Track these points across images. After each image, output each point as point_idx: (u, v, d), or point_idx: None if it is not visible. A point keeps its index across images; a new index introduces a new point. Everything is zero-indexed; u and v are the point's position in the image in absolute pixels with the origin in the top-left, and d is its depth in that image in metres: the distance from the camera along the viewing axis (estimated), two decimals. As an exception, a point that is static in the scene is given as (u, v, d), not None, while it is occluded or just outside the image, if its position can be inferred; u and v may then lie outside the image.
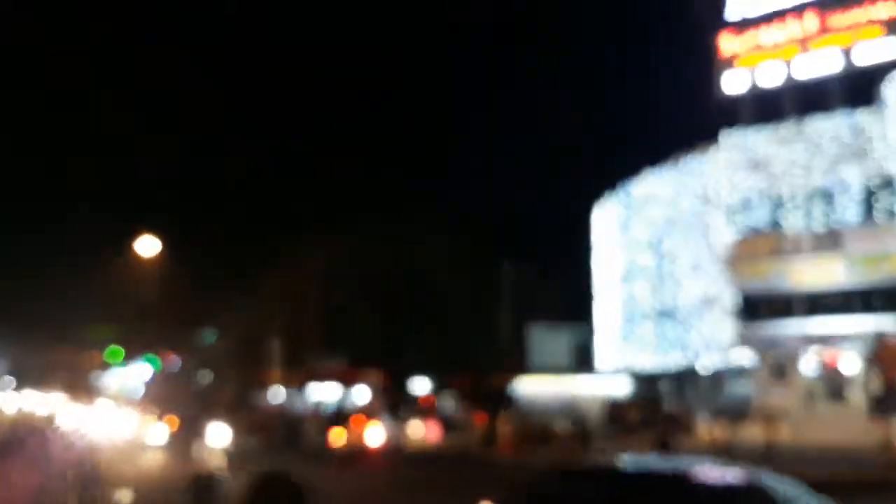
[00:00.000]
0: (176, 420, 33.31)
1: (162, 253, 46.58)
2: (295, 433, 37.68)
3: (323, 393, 54.66)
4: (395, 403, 47.53)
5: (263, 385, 55.87)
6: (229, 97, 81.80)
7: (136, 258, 46.92)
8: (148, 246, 45.82)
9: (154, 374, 59.76)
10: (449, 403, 46.44)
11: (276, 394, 54.35)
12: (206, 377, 63.53)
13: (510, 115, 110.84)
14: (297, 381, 55.08)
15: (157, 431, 33.15)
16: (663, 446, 18.46)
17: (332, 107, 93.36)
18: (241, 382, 57.29)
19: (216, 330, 60.30)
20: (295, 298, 52.96)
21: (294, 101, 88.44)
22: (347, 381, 54.11)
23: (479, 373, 59.51)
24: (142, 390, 61.78)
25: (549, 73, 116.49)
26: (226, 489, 11.73)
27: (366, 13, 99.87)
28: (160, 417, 34.76)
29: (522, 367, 66.02)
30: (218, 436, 20.19)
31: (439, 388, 58.84)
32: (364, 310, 57.12)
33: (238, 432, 34.63)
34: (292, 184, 68.39)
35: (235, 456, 19.61)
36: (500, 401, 46.56)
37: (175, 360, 61.47)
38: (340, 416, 41.13)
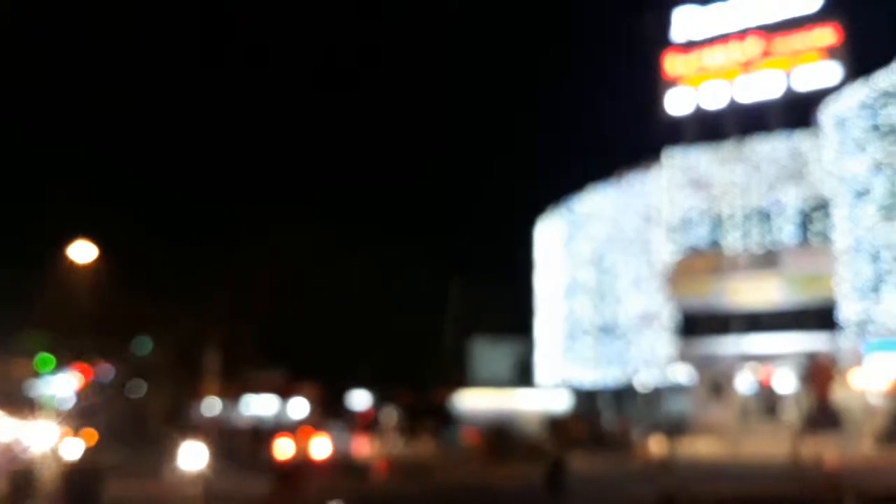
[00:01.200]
0: (94, 434, 32.13)
1: (97, 260, 45.23)
2: (229, 445, 36.99)
3: (259, 406, 53.73)
4: (332, 417, 46.90)
5: (199, 396, 54.65)
6: (171, 103, 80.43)
7: (71, 264, 45.49)
8: (83, 252, 44.45)
9: (84, 385, 57.93)
10: (389, 417, 46.05)
11: (212, 405, 53.21)
12: (139, 388, 61.89)
13: (458, 131, 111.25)
14: (233, 394, 54.03)
15: (72, 445, 31.90)
16: (555, 467, 17.81)
17: (276, 115, 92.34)
18: (176, 393, 55.97)
19: (151, 340, 58.86)
20: (233, 310, 52.01)
21: (235, 110, 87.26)
22: (284, 395, 53.29)
23: (421, 387, 59.19)
24: (72, 400, 59.83)
25: (496, 90, 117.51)
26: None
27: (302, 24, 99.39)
28: (76, 431, 33.47)
29: (465, 381, 65.93)
30: (192, 458, 18.52)
31: (380, 402, 58.32)
32: (304, 323, 56.41)
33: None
34: (233, 194, 67.53)
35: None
36: (441, 415, 46.40)
37: (108, 370, 59.76)
38: (278, 428, 40.41)
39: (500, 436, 30.72)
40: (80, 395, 59.53)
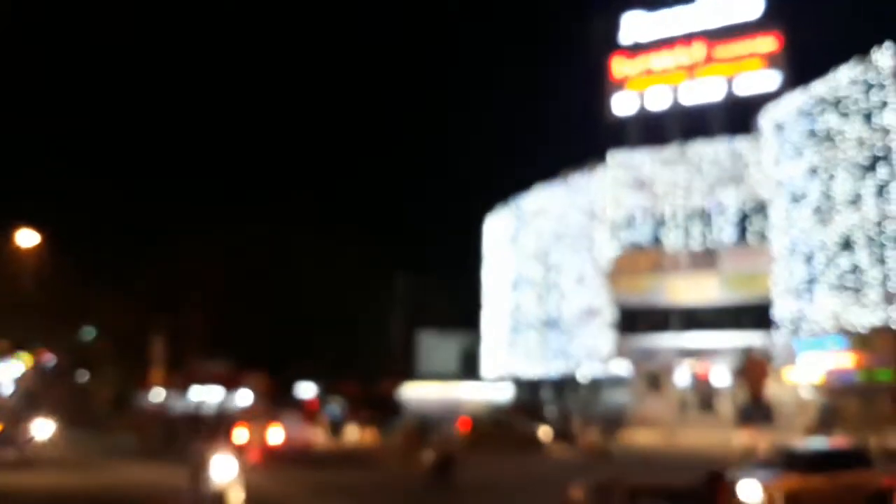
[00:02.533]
0: None
1: (41, 245, 43.48)
2: (174, 434, 36.11)
3: (204, 395, 52.43)
4: (281, 407, 45.91)
5: (144, 385, 53.16)
6: (116, 94, 78.02)
7: (15, 249, 43.63)
8: (26, 237, 42.65)
9: (26, 372, 55.90)
10: (334, 408, 45.26)
11: (157, 394, 51.74)
12: (83, 376, 60.02)
13: (410, 127, 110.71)
14: (178, 383, 52.63)
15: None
16: (445, 460, 17.27)
17: (228, 106, 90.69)
18: (121, 382, 54.43)
19: (95, 328, 57.05)
20: (180, 299, 50.66)
21: (183, 99, 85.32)
22: (230, 384, 52.05)
23: (367, 378, 58.47)
24: (11, 388, 57.72)
25: (449, 90, 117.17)
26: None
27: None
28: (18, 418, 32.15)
29: (411, 373, 65.45)
30: (225, 468, 17.31)
31: (326, 393, 57.47)
32: (251, 314, 55.28)
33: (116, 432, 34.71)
34: (183, 183, 65.86)
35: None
36: (386, 406, 45.73)
37: (50, 358, 57.79)
38: (224, 417, 39.59)
39: (422, 428, 30.60)
40: (20, 381, 57.39)
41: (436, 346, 65.39)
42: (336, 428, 38.42)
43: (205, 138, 78.10)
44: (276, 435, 29.83)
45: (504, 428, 33.20)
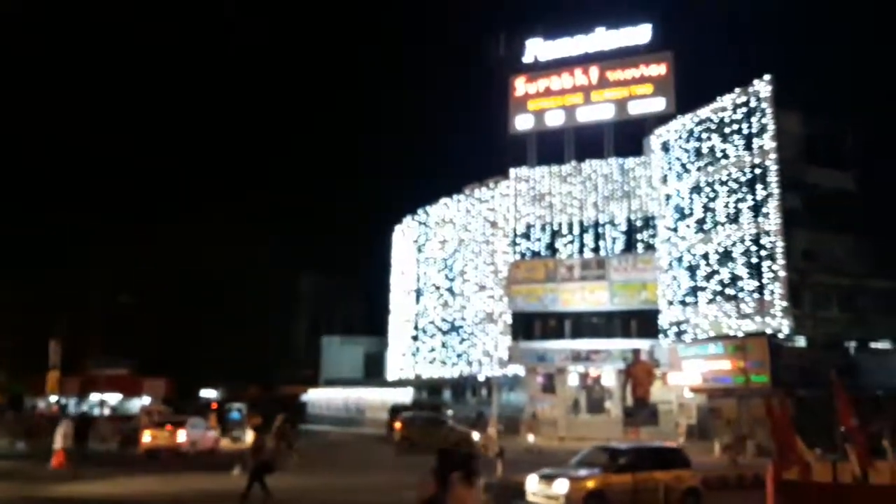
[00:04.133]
0: None
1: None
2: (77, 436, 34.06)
3: (104, 398, 49.73)
4: (184, 411, 43.94)
5: (40, 389, 49.99)
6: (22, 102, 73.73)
7: None
8: None
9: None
10: (235, 412, 43.60)
11: (53, 398, 48.68)
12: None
13: (323, 136, 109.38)
14: (77, 386, 49.76)
15: None
16: (261, 467, 16.64)
17: (136, 109, 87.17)
18: (15, 386, 51.02)
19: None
20: (79, 302, 47.86)
21: (86, 104, 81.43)
22: (130, 388, 49.60)
23: (271, 382, 56.82)
24: None
25: (360, 103, 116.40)
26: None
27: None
28: None
29: (316, 377, 64.09)
30: None
31: (229, 397, 55.47)
32: (154, 317, 52.86)
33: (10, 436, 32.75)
34: (86, 186, 62.68)
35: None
36: (288, 410, 44.29)
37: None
38: (124, 420, 37.96)
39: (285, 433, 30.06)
40: None
41: (341, 350, 64.33)
42: (229, 430, 37.13)
43: (110, 141, 74.56)
44: (178, 437, 29.13)
45: (438, 429, 32.50)
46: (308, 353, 65.38)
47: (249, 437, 32.74)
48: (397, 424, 33.32)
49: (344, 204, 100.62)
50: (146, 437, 29.29)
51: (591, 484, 15.28)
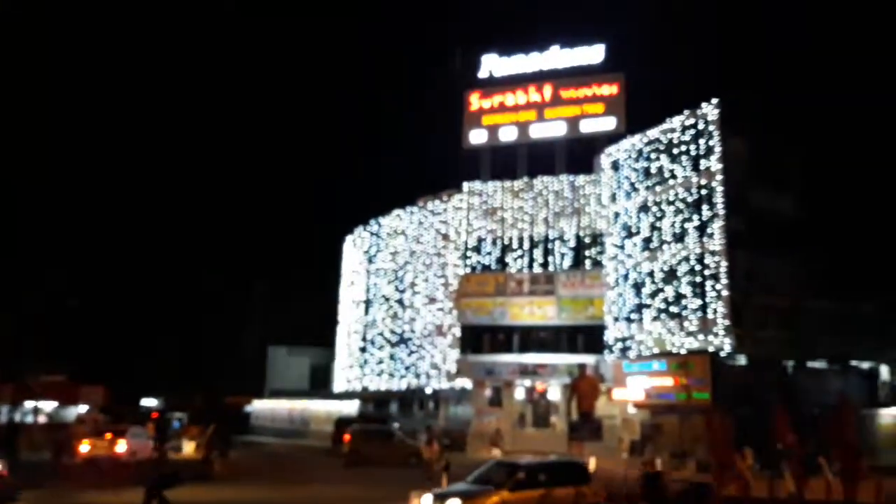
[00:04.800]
0: None
1: None
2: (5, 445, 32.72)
3: (38, 406, 48.02)
4: (123, 420, 42.67)
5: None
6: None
7: None
8: None
9: None
10: (176, 422, 42.53)
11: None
12: None
13: (278, 145, 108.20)
14: (9, 393, 47.95)
15: None
16: (164, 479, 16.17)
17: (64, 122, 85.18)
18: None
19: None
20: (14, 310, 46.19)
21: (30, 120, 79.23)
22: (66, 396, 47.99)
23: (215, 392, 55.63)
24: None
25: (316, 112, 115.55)
26: None
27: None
28: None
29: (261, 387, 62.98)
30: None
31: (171, 406, 54.14)
32: (96, 323, 51.36)
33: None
34: (22, 196, 60.85)
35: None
36: (229, 419, 43.44)
37: None
38: (61, 428, 36.84)
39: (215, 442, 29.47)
40: None
41: (287, 360, 63.37)
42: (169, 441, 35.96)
43: (54, 140, 72.65)
44: (118, 447, 28.36)
45: (388, 442, 31.98)
46: (256, 363, 64.24)
47: (187, 448, 31.91)
48: (346, 437, 32.78)
49: (295, 213, 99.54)
50: (84, 446, 28.41)
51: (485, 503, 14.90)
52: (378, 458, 30.43)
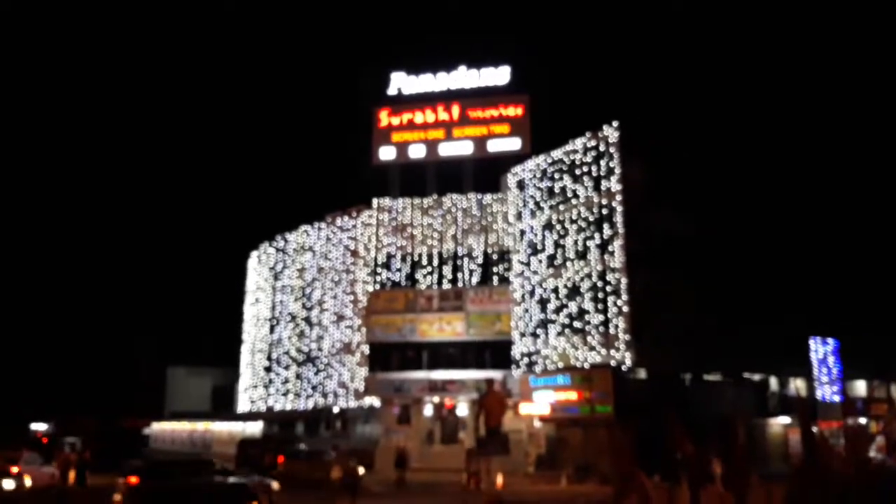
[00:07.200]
0: None
1: None
2: None
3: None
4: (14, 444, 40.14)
5: None
6: None
7: None
8: None
9: None
10: (67, 446, 40.33)
11: None
12: None
13: (184, 160, 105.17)
14: None
15: None
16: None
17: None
18: None
19: None
20: None
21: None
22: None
23: (110, 415, 53.18)
24: None
25: (223, 125, 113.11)
26: None
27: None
28: None
29: (160, 409, 60.65)
30: None
31: (63, 430, 51.35)
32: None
33: None
34: None
35: None
36: (126, 443, 41.61)
37: None
38: None
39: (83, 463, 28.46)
40: None
41: (187, 381, 61.24)
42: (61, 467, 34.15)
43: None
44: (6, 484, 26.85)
45: (321, 463, 30.89)
46: (154, 384, 61.81)
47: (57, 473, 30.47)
48: (280, 458, 31.74)
49: (195, 228, 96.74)
50: None
51: None
52: (312, 480, 29.35)
